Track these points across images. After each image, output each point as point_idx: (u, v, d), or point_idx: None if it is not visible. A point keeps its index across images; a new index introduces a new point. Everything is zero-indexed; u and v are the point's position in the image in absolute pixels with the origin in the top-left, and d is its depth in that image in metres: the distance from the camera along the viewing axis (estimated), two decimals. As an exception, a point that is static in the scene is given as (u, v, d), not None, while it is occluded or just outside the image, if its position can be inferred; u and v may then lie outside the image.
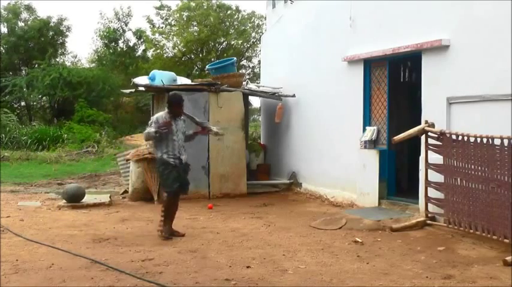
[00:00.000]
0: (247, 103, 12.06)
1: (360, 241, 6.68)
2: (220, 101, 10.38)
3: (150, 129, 6.88)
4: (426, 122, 7.30)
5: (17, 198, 10.31)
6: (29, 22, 29.64)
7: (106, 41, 31.51)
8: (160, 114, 7.01)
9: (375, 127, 8.90)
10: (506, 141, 6.04)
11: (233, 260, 5.79)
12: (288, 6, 11.85)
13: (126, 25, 31.91)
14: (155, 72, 10.81)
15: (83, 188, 9.85)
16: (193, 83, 11.09)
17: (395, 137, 7.42)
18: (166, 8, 30.39)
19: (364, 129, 9.04)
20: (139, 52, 32.35)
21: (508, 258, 5.55)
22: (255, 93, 11.73)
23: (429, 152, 7.24)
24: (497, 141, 6.15)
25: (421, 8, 7.94)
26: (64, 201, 9.34)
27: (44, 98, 26.84)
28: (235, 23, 30.58)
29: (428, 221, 7.27)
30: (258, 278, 5.14)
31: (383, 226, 7.44)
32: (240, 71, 21.92)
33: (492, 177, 6.24)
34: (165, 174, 6.96)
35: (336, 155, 9.72)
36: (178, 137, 6.98)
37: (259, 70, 15.72)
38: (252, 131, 17.33)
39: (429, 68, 7.82)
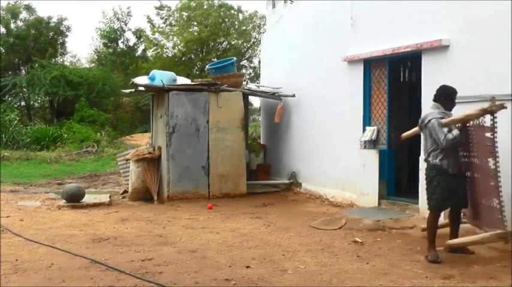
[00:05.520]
0: (247, 103, 12.05)
1: (360, 241, 6.69)
2: (220, 101, 10.38)
3: (450, 134, 5.76)
4: (426, 121, 7.28)
5: (16, 198, 10.31)
6: (27, 21, 29.63)
7: (106, 41, 31.50)
8: (436, 115, 5.90)
9: (375, 127, 8.90)
10: (506, 142, 6.03)
11: (233, 260, 5.79)
12: (288, 6, 11.85)
13: (125, 25, 31.96)
14: (155, 72, 10.81)
15: (82, 188, 9.85)
16: (193, 83, 11.08)
17: (403, 134, 7.33)
18: (166, 8, 30.42)
19: (364, 129, 9.04)
20: (139, 52, 32.38)
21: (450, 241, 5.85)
22: (255, 93, 11.73)
23: (429, 152, 7.21)
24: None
25: (421, 8, 7.93)
26: (64, 201, 9.35)
27: (44, 97, 26.81)
28: (235, 22, 30.59)
29: (428, 221, 7.25)
30: (257, 278, 5.14)
31: (383, 226, 7.45)
32: (240, 71, 21.96)
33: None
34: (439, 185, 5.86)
35: (336, 155, 9.72)
36: None
37: (260, 70, 15.72)
38: (252, 131, 17.32)
39: (429, 68, 7.81)
